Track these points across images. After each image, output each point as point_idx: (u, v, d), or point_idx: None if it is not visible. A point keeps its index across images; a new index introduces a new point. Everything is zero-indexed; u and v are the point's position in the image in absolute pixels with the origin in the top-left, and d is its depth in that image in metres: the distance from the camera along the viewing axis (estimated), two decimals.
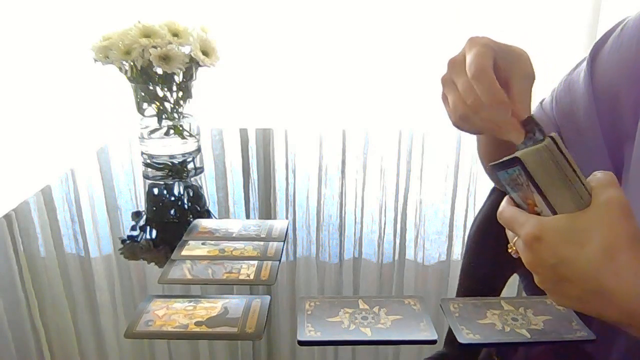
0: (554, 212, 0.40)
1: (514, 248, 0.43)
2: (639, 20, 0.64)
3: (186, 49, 0.89)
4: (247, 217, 0.77)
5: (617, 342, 0.50)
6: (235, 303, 0.56)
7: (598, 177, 0.40)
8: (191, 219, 0.75)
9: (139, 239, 0.72)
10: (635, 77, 0.64)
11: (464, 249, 0.70)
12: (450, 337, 0.52)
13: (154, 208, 0.84)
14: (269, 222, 0.74)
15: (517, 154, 0.40)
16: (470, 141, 1.03)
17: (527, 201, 0.42)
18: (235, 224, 0.73)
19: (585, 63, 0.69)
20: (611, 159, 0.69)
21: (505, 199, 0.45)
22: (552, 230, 0.39)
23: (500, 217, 0.44)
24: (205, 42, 0.91)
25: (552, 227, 0.39)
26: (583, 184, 0.39)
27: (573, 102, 0.70)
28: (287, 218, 0.76)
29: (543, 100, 0.77)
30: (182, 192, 0.89)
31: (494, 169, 0.44)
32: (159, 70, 0.89)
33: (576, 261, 0.38)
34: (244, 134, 1.16)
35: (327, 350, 0.51)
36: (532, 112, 0.44)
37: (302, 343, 0.50)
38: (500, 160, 0.42)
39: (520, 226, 0.41)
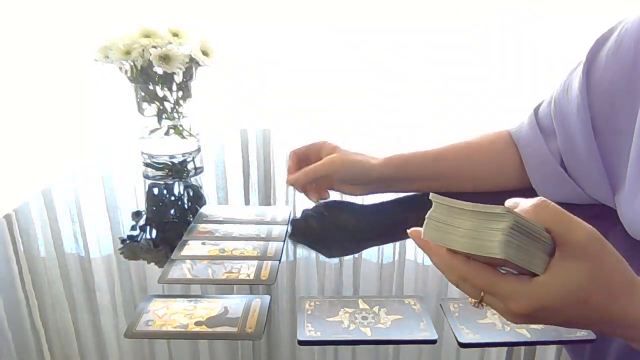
0: (531, 273, 0.37)
1: (482, 304, 0.40)
2: (639, 21, 0.64)
3: (186, 49, 0.89)
4: None
5: (617, 342, 0.50)
6: (235, 303, 0.56)
7: (543, 215, 0.37)
8: (191, 219, 0.75)
9: (139, 239, 0.72)
10: (634, 77, 0.64)
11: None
12: None
13: (154, 208, 0.84)
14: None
15: (499, 253, 0.34)
16: None
17: (494, 265, 0.38)
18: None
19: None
20: (604, 160, 0.69)
21: (453, 258, 0.39)
22: (553, 296, 0.37)
23: (468, 281, 0.39)
24: (205, 42, 0.91)
25: (550, 293, 0.37)
26: (540, 230, 0.36)
27: (569, 102, 0.71)
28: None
29: (540, 104, 0.77)
30: (182, 192, 0.89)
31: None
32: (159, 70, 0.90)
33: (583, 315, 0.38)
34: (244, 134, 1.16)
35: (327, 350, 0.51)
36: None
37: (302, 343, 0.50)
38: (476, 255, 0.37)
39: (510, 298, 0.38)
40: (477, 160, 0.79)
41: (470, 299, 0.41)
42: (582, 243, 0.36)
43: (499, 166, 0.78)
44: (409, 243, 0.71)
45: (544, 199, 0.38)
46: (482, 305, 0.40)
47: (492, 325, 0.52)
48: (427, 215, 0.38)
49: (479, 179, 0.79)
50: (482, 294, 0.39)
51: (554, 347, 0.51)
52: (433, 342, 0.51)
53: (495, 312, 0.54)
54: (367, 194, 0.78)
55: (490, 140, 0.80)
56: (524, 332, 0.51)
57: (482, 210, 0.35)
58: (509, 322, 0.52)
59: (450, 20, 1.74)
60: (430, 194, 0.38)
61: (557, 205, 0.37)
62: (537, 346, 0.51)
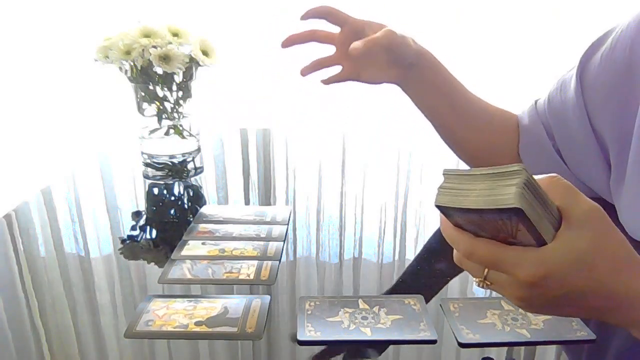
0: (540, 241, 0.37)
1: (487, 282, 0.39)
2: (634, 24, 0.64)
3: (186, 49, 0.89)
4: None
5: (616, 342, 0.50)
6: (235, 303, 0.56)
7: (553, 189, 0.37)
8: (191, 219, 0.75)
9: (139, 239, 0.72)
10: (629, 80, 0.65)
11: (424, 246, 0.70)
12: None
13: (154, 208, 0.84)
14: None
15: (514, 203, 0.34)
16: None
17: (498, 237, 0.38)
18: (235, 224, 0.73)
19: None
20: (604, 156, 0.70)
21: (459, 233, 0.39)
22: (559, 263, 0.36)
23: (473, 257, 0.39)
24: (205, 42, 0.91)
25: (557, 260, 0.36)
26: (550, 200, 0.36)
27: (564, 102, 0.72)
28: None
29: (538, 100, 0.79)
30: (182, 192, 0.89)
31: (465, 214, 0.37)
32: (159, 70, 0.90)
33: (588, 288, 0.37)
34: (244, 134, 1.16)
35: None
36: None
37: (302, 343, 0.50)
38: (485, 208, 0.35)
39: (516, 266, 0.37)
40: (485, 119, 0.81)
41: (475, 279, 0.40)
42: (587, 213, 0.37)
43: (498, 138, 0.80)
44: (409, 243, 0.71)
45: (557, 175, 0.38)
46: (486, 283, 0.40)
47: (492, 325, 0.52)
48: (438, 187, 0.38)
49: (476, 139, 0.81)
50: (485, 271, 0.39)
51: (554, 347, 0.51)
52: (433, 342, 0.51)
53: (495, 313, 0.54)
54: (389, 81, 0.79)
55: (504, 115, 0.82)
56: (524, 332, 0.51)
57: (496, 171, 0.35)
58: (509, 322, 0.52)
59: (451, 20, 1.74)
60: (443, 169, 0.38)
61: (568, 182, 0.38)
62: (537, 346, 0.51)
